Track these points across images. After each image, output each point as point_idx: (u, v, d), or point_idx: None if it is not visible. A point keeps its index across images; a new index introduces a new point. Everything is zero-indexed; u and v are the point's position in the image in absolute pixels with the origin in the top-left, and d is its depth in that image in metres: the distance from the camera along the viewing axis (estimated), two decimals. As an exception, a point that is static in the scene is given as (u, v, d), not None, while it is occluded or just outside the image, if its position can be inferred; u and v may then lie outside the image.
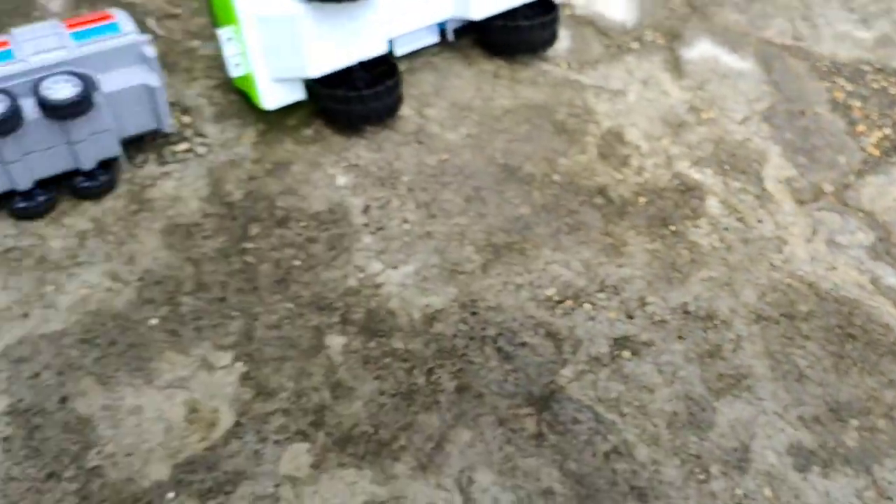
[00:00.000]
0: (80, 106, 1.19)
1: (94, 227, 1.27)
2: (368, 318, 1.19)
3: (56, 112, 1.18)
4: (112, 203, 1.31)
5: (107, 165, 1.32)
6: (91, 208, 1.30)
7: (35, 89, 1.19)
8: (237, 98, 1.51)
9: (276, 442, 1.05)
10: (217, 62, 1.56)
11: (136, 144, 1.37)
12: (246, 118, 1.47)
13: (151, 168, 1.37)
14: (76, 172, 1.29)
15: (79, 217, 1.28)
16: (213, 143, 1.42)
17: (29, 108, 1.19)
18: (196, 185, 1.35)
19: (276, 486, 1.01)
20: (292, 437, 1.06)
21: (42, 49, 1.23)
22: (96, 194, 1.31)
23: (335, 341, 1.16)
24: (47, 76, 1.20)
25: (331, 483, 1.02)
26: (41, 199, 1.27)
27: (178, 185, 1.35)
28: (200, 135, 1.44)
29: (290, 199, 1.34)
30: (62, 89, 1.19)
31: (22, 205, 1.26)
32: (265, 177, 1.37)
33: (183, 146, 1.41)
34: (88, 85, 1.20)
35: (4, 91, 1.17)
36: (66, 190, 1.30)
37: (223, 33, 1.32)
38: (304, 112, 1.48)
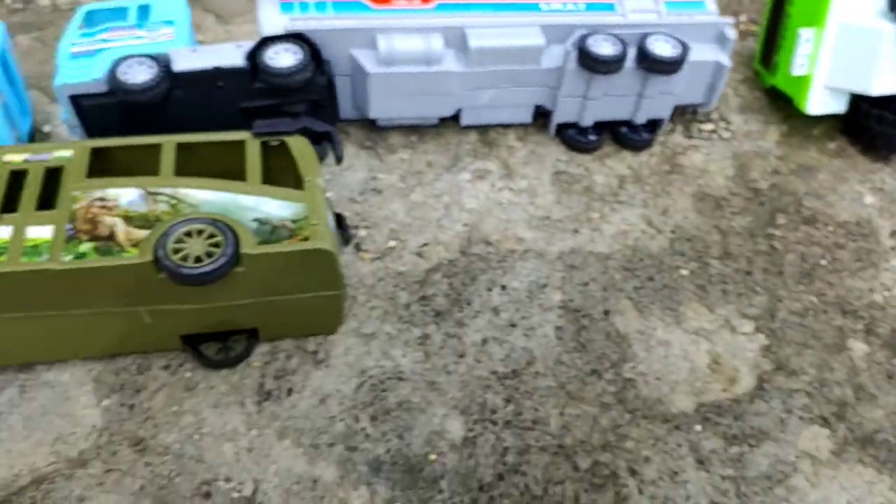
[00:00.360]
0: (674, 66, 1.31)
1: (632, 174, 1.39)
2: (893, 335, 1.18)
3: (654, 66, 1.31)
4: (647, 158, 1.42)
5: (651, 125, 1.43)
6: (629, 158, 1.42)
7: (640, 42, 1.32)
8: (761, 95, 1.56)
9: (801, 418, 1.08)
10: (744, 58, 1.62)
11: (668, 114, 1.47)
12: (769, 116, 1.52)
13: (679, 138, 1.47)
14: (623, 123, 1.42)
15: (619, 162, 1.41)
16: (736, 131, 1.49)
17: (629, 56, 1.32)
18: (722, 164, 1.42)
19: (796, 457, 1.04)
20: (814, 419, 1.08)
21: (639, 9, 1.36)
22: (636, 147, 1.43)
23: (858, 346, 1.17)
24: (650, 33, 1.33)
25: (849, 475, 1.03)
26: (592, 137, 1.41)
27: (706, 160, 1.43)
28: (725, 120, 1.51)
29: (815, 202, 1.36)
30: (663, 48, 1.31)
31: (576, 138, 1.41)
32: (789, 175, 1.41)
33: (708, 126, 1.49)
34: (685, 50, 1.31)
35: (618, 37, 1.31)
36: (608, 136, 1.43)
37: (804, 33, 1.38)
38: (828, 125, 1.50)
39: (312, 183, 1.07)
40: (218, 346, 1.11)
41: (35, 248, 0.95)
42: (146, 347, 1.10)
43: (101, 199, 1.01)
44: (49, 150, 1.07)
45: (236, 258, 0.97)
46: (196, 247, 0.96)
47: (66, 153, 1.07)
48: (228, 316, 1.06)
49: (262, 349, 1.13)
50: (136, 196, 1.02)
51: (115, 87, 1.15)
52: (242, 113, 1.24)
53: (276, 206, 1.03)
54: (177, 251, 0.95)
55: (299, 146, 1.11)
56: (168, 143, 1.09)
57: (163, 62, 1.17)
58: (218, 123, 1.15)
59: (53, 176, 1.04)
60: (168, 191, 1.03)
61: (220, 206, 1.02)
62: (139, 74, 1.16)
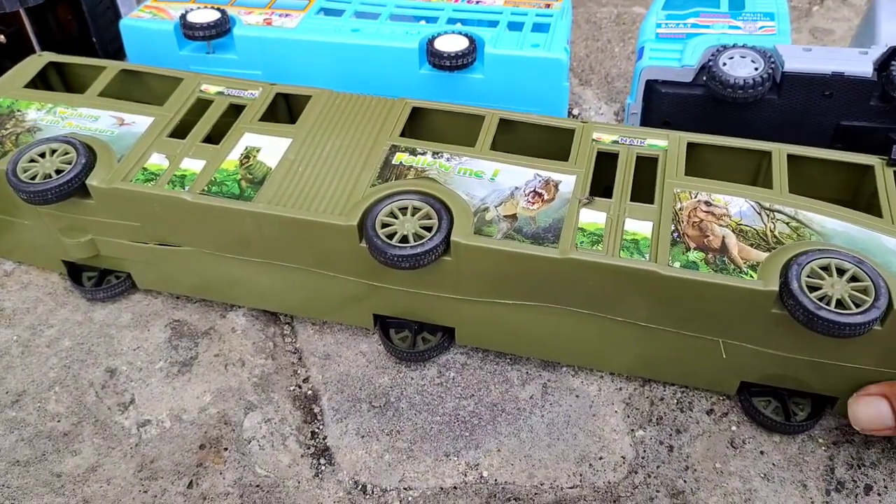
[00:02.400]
0: None
1: None
2: None
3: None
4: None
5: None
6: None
7: None
8: None
9: None
10: None
11: None
12: None
13: None
14: None
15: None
16: None
17: None
18: None
19: None
20: None
21: None
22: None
23: None
24: None
25: None
26: None
27: None
28: None
29: None
30: None
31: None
32: None
33: None
34: None
35: None
36: None
37: None
38: None
39: None
40: (774, 404, 0.91)
41: (635, 244, 0.81)
42: (693, 382, 0.93)
43: (708, 204, 0.85)
44: (642, 135, 0.94)
45: (889, 310, 0.74)
46: (836, 286, 0.76)
47: (661, 143, 0.93)
48: (815, 374, 0.85)
49: (828, 423, 0.90)
50: (746, 207, 0.85)
51: (711, 79, 0.99)
52: (837, 132, 1.02)
53: (927, 260, 0.79)
54: (813, 288, 0.76)
55: None
56: (779, 151, 0.91)
57: (770, 58, 0.99)
58: (800, 137, 0.95)
59: (646, 165, 0.91)
60: (788, 210, 0.84)
61: (855, 241, 0.81)
62: (741, 68, 0.99)
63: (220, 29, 1.11)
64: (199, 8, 1.14)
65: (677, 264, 0.79)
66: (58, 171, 0.90)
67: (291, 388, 0.97)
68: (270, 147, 0.94)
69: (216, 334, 1.03)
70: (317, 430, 0.93)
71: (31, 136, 0.96)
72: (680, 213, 0.84)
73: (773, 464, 0.87)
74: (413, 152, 0.92)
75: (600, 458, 0.88)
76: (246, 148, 0.94)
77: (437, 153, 0.92)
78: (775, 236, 0.81)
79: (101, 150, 0.93)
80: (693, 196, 0.86)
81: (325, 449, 0.91)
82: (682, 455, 0.88)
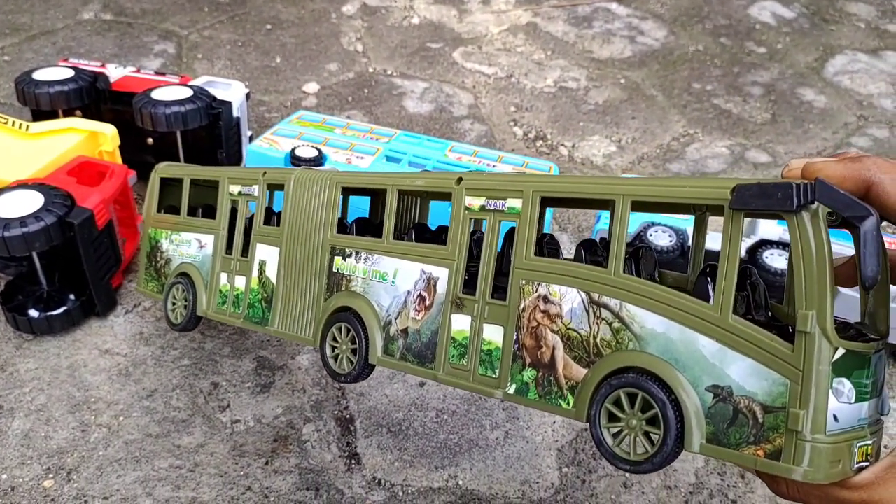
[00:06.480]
0: None
1: None
2: None
3: None
4: None
5: None
6: None
7: None
8: None
9: None
10: None
11: None
12: None
13: None
14: None
15: None
16: None
17: None
18: None
19: None
20: None
21: None
22: None
23: None
24: None
25: None
26: None
27: None
28: None
29: None
30: None
31: None
32: None
33: None
34: None
35: None
36: None
37: None
38: None
39: (812, 334, 0.62)
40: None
41: (489, 356, 0.85)
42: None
43: (545, 301, 0.81)
44: (502, 194, 0.84)
45: (678, 451, 0.71)
46: (632, 421, 0.73)
47: (517, 204, 0.83)
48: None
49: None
50: (577, 304, 0.78)
51: (641, 242, 1.51)
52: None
53: (744, 370, 0.67)
54: (612, 418, 0.74)
55: (804, 241, 0.63)
56: (622, 200, 0.76)
57: (681, 235, 1.51)
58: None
59: (507, 240, 0.89)
60: (614, 304, 0.75)
61: (669, 349, 0.71)
62: (661, 239, 1.51)
63: (317, 162, 1.63)
64: (303, 145, 1.66)
65: (513, 387, 0.82)
66: (185, 306, 1.29)
67: (336, 412, 1.43)
68: (270, 259, 1.14)
69: (287, 369, 1.50)
70: (351, 442, 1.38)
71: (168, 266, 1.35)
72: (522, 315, 0.82)
73: (649, 502, 1.34)
74: (343, 255, 1.03)
75: (537, 482, 1.34)
76: (259, 263, 1.16)
77: (358, 254, 1.01)
78: (596, 345, 0.76)
79: (196, 276, 1.26)
80: (535, 289, 0.81)
81: (355, 454, 1.36)
82: (590, 487, 1.34)
